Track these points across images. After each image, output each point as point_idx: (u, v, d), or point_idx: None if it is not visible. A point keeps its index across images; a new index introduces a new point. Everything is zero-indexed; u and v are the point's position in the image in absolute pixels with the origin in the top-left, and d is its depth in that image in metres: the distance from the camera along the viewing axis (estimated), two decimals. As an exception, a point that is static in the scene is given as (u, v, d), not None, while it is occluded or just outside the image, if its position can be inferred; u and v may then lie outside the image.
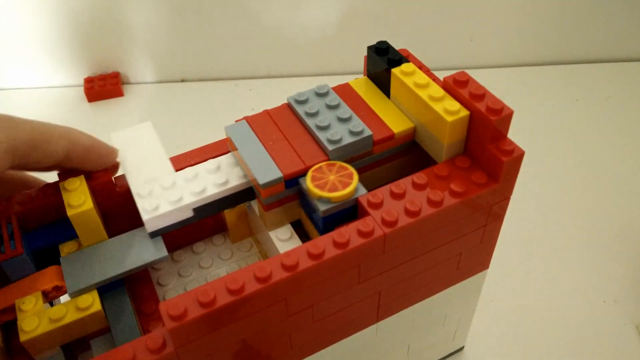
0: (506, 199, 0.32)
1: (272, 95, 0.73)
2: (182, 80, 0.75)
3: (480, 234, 0.34)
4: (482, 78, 0.72)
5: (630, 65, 0.77)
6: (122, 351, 0.26)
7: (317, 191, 0.30)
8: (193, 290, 0.26)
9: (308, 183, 0.30)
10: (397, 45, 0.37)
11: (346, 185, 0.30)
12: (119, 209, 0.36)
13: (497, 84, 0.71)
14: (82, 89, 0.74)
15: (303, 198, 0.32)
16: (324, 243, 0.28)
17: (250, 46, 0.74)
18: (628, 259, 0.53)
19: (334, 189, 0.30)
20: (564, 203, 0.58)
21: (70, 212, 0.31)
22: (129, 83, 0.75)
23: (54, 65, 0.73)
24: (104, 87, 0.72)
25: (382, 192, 0.30)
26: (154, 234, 0.33)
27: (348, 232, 0.28)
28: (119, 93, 0.73)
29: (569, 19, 0.73)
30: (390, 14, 0.72)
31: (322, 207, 0.30)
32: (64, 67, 0.74)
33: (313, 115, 0.33)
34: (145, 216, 0.32)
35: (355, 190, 0.30)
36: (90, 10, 0.69)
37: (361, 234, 0.28)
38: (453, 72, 0.31)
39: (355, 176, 0.30)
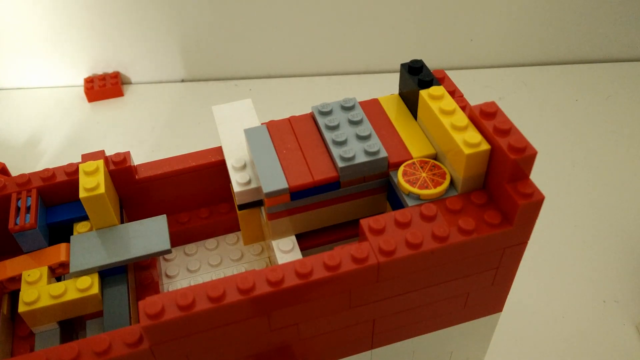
0: (522, 243, 0.30)
1: (272, 95, 0.73)
2: (182, 80, 0.76)
3: (491, 276, 0.31)
4: (482, 78, 0.69)
5: (630, 65, 0.76)
6: (99, 340, 0.26)
7: (407, 186, 0.30)
8: (174, 291, 0.26)
9: (399, 177, 0.30)
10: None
11: (437, 184, 0.30)
12: (136, 196, 0.37)
13: (497, 84, 0.73)
14: (82, 89, 0.75)
15: (391, 192, 0.32)
16: (313, 263, 0.27)
17: (250, 46, 0.74)
18: (628, 259, 0.53)
19: (424, 186, 0.29)
20: (563, 203, 0.58)
21: (81, 195, 0.32)
22: (129, 83, 0.76)
23: (54, 65, 0.75)
24: (104, 87, 0.73)
25: (386, 219, 0.29)
26: (242, 207, 0.34)
27: (340, 256, 0.27)
28: (119, 93, 0.74)
29: (570, 19, 0.73)
30: (390, 14, 0.71)
31: (410, 203, 0.29)
32: (64, 67, 0.75)
33: (332, 128, 0.33)
34: (236, 188, 0.33)
35: (446, 190, 0.30)
36: (90, 10, 0.70)
37: (354, 259, 0.27)
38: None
39: (448, 176, 0.30)
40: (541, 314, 0.49)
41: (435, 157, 0.32)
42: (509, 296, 0.34)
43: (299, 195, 0.31)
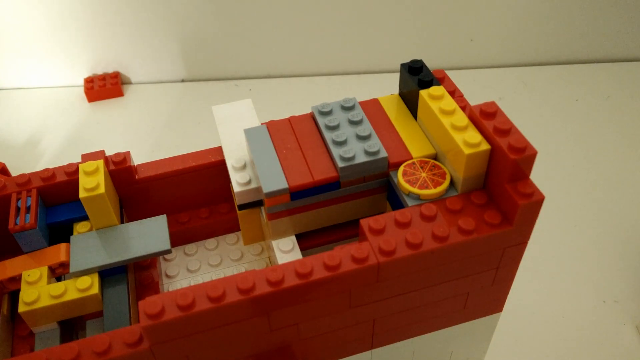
0: (522, 243, 0.30)
1: (272, 95, 0.73)
2: (182, 80, 0.76)
3: (491, 276, 0.31)
4: (482, 78, 0.69)
5: (630, 65, 0.76)
6: (99, 340, 0.26)
7: (407, 186, 0.30)
8: (174, 291, 0.26)
9: (399, 177, 0.30)
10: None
11: (437, 184, 0.30)
12: (136, 196, 0.37)
13: (497, 84, 0.73)
14: (82, 89, 0.75)
15: (391, 192, 0.32)
16: (313, 263, 0.27)
17: (250, 46, 0.74)
18: (628, 259, 0.53)
19: (424, 186, 0.29)
20: (564, 203, 0.58)
21: (81, 195, 0.32)
22: (129, 83, 0.76)
23: (54, 65, 0.75)
24: (104, 87, 0.73)
25: (386, 219, 0.29)
26: (242, 207, 0.34)
27: (340, 256, 0.27)
28: (119, 93, 0.73)
29: (569, 19, 0.73)
30: (390, 14, 0.71)
31: (410, 203, 0.29)
32: (64, 67, 0.75)
33: (332, 128, 0.33)
34: (236, 188, 0.33)
35: (446, 190, 0.30)
36: (90, 10, 0.70)
37: (354, 259, 0.27)
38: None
39: (448, 176, 0.30)
40: (541, 314, 0.49)
41: (435, 157, 0.32)
42: (509, 296, 0.34)
43: (299, 195, 0.31)
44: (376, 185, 0.32)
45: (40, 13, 0.70)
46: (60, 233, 0.35)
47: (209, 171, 0.37)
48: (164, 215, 0.34)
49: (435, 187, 0.30)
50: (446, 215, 0.29)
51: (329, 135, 0.32)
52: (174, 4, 0.70)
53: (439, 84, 0.33)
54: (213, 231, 0.39)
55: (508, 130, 0.28)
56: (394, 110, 0.35)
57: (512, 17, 0.72)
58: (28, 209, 0.33)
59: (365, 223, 0.29)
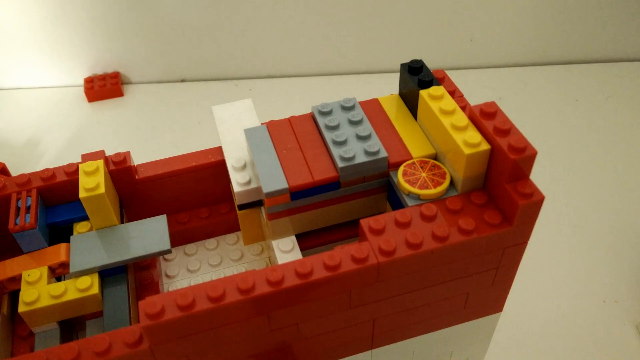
0: (523, 243, 0.30)
1: (272, 95, 0.73)
2: (182, 80, 0.76)
3: (491, 276, 0.31)
4: (482, 78, 0.69)
5: (630, 65, 0.77)
6: (99, 340, 0.26)
7: (407, 186, 0.30)
8: (174, 291, 0.26)
9: (399, 177, 0.30)
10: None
11: (437, 184, 0.30)
12: (136, 196, 0.37)
13: (497, 84, 0.73)
14: (82, 89, 0.75)
15: (391, 192, 0.32)
16: (313, 263, 0.27)
17: (250, 46, 0.74)
18: (628, 259, 0.53)
19: (424, 186, 0.29)
20: (563, 203, 0.59)
21: (81, 195, 0.32)
22: (129, 83, 0.76)
23: (54, 65, 0.75)
24: (104, 87, 0.73)
25: (386, 219, 0.29)
26: (242, 207, 0.34)
27: (340, 256, 0.27)
28: (119, 93, 0.74)
29: (569, 19, 0.73)
30: (390, 14, 0.72)
31: (410, 203, 0.29)
32: (64, 67, 0.75)
33: (332, 128, 0.33)
34: (236, 188, 0.33)
35: (446, 190, 0.30)
36: (90, 10, 0.70)
37: (354, 259, 0.27)
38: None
39: (448, 176, 0.30)
40: (541, 314, 0.49)
41: (435, 157, 0.32)
42: (509, 296, 0.34)
43: (299, 195, 0.31)
44: (376, 185, 0.32)
45: (40, 13, 0.70)
46: (60, 233, 0.35)
47: (209, 171, 0.37)
48: (164, 215, 0.34)
49: (435, 187, 0.30)
50: (446, 215, 0.29)
51: (329, 135, 0.32)
52: (174, 4, 0.70)
53: (439, 84, 0.33)
54: (213, 231, 0.39)
55: (508, 130, 0.28)
56: (394, 110, 0.35)
57: (512, 17, 0.72)
58: (28, 209, 0.33)
59: (365, 223, 0.29)
